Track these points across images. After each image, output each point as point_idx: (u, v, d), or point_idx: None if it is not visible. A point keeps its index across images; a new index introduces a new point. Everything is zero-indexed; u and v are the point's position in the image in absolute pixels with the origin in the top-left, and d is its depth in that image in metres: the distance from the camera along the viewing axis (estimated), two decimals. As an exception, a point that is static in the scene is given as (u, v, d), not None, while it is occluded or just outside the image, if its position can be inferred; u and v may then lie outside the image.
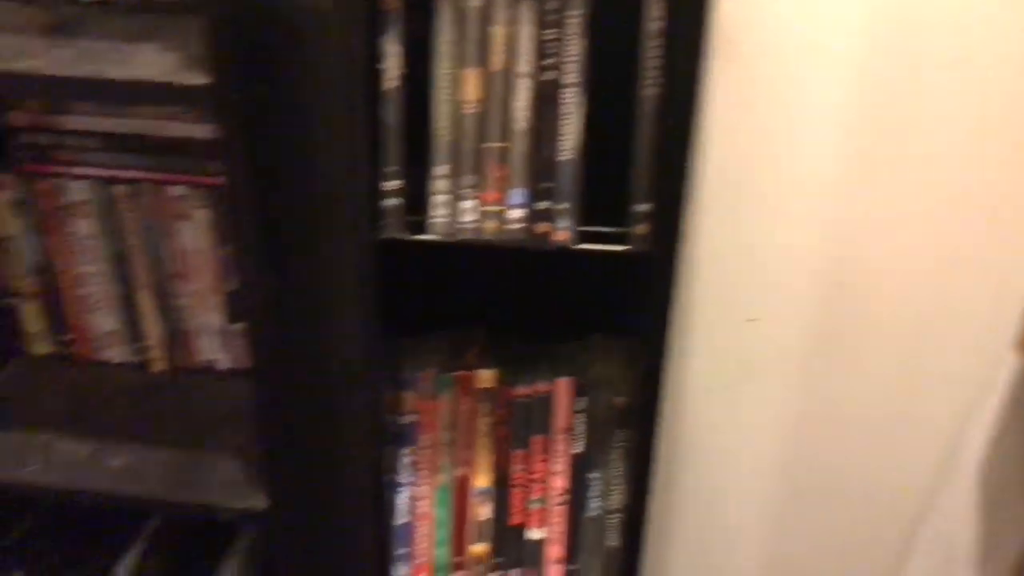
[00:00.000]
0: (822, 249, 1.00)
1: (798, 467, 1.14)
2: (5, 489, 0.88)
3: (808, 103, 0.90)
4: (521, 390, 0.84)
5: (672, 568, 1.20)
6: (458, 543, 0.88)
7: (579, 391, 0.83)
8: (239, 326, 0.97)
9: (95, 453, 0.91)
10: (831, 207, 0.97)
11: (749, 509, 1.16)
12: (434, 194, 0.70)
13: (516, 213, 0.70)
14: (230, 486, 0.87)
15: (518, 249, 0.92)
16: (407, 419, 0.86)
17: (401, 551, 0.89)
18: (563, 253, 0.87)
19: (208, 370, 1.02)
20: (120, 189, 0.92)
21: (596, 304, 0.97)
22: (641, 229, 0.71)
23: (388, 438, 0.85)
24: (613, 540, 0.87)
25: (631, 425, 0.83)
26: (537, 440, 0.85)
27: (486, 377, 0.84)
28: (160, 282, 0.97)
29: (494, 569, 0.88)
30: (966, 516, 1.04)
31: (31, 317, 1.02)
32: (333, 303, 0.98)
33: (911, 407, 1.07)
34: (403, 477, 0.88)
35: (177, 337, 1.00)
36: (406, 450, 0.87)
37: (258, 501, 0.85)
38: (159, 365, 1.02)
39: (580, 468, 0.85)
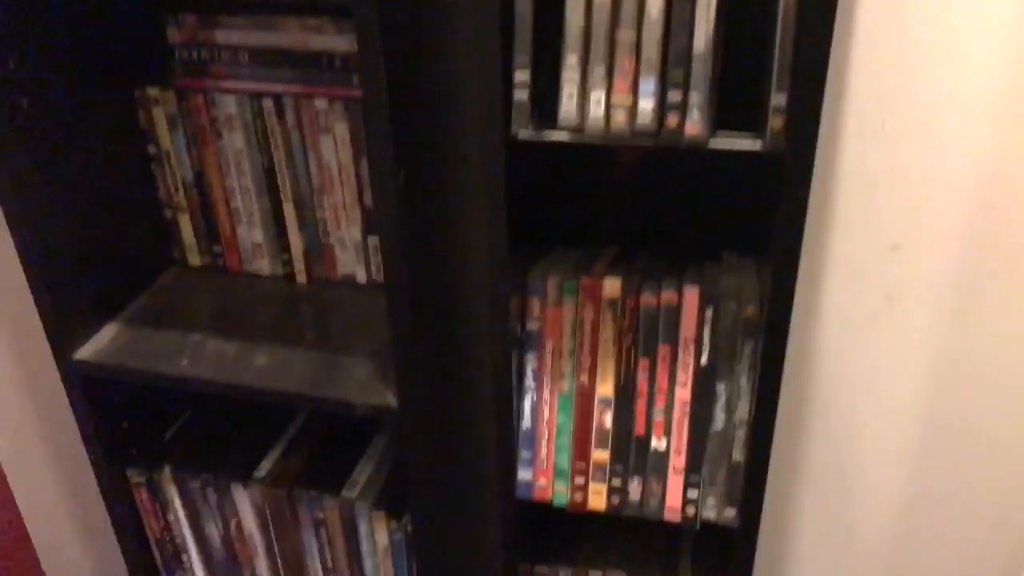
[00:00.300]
0: (972, 171, 0.94)
1: (937, 408, 1.09)
2: (159, 380, 0.95)
3: (968, 12, 0.85)
4: (648, 298, 0.83)
5: (798, 491, 1.17)
6: (580, 449, 0.89)
7: (707, 301, 0.82)
8: (375, 239, 1.01)
9: (241, 352, 0.97)
10: (985, 126, 0.91)
11: (881, 446, 1.12)
12: (563, 86, 0.70)
13: (646, 105, 0.69)
14: (365, 385, 0.91)
15: (649, 152, 0.91)
16: (532, 326, 0.88)
17: (525, 455, 0.91)
18: (694, 158, 0.87)
19: (347, 283, 1.06)
20: (267, 103, 0.97)
21: (728, 222, 0.95)
22: (776, 123, 0.68)
23: (513, 344, 0.87)
24: (738, 454, 0.86)
25: (760, 337, 0.81)
26: (662, 350, 0.85)
27: (612, 285, 0.84)
28: (303, 196, 1.01)
29: (615, 476, 0.89)
30: None
31: (186, 229, 1.09)
32: (464, 208, 1.00)
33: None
34: (528, 383, 0.89)
35: (318, 250, 1.05)
36: (531, 356, 0.88)
37: (390, 399, 0.88)
38: (302, 278, 1.08)
39: (706, 380, 0.84)
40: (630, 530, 1.10)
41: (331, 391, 0.90)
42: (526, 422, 0.90)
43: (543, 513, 1.04)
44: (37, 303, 0.94)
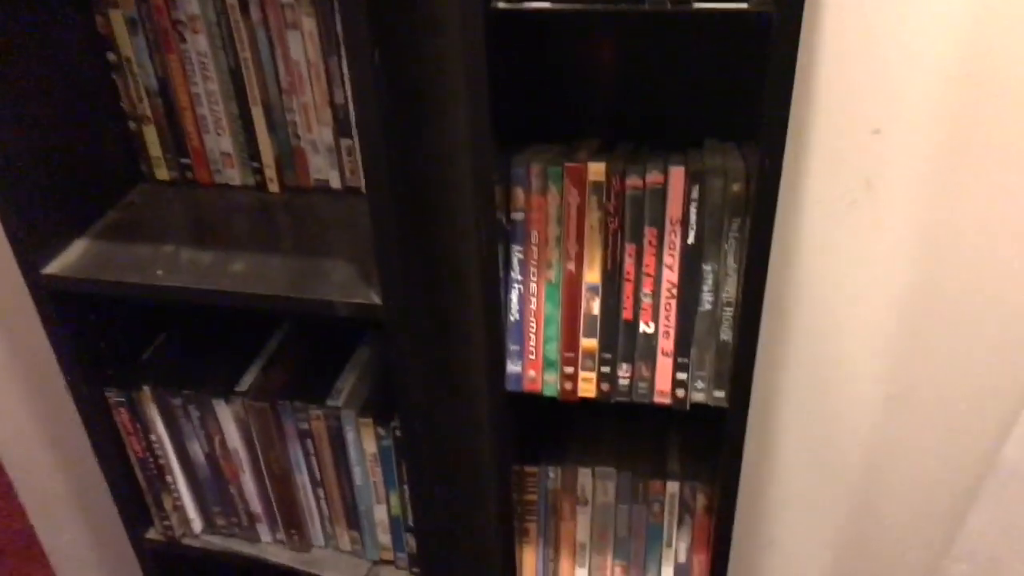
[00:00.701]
0: (955, 50, 0.93)
1: (921, 293, 1.09)
2: (134, 292, 0.93)
3: None
4: (634, 181, 0.82)
5: (781, 379, 1.18)
6: (568, 338, 0.89)
7: (693, 179, 0.81)
8: (348, 142, 0.99)
9: (217, 260, 0.95)
10: (966, 2, 0.91)
11: (862, 333, 1.13)
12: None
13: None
14: (347, 285, 0.89)
15: (629, 28, 0.89)
16: (517, 216, 0.86)
17: (513, 348, 0.90)
18: (675, 35, 0.85)
19: (321, 189, 1.04)
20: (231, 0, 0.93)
21: (710, 110, 0.94)
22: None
23: (498, 235, 0.85)
24: (726, 335, 0.86)
25: (747, 214, 0.81)
26: (649, 233, 0.84)
27: (597, 169, 0.83)
28: (271, 99, 0.98)
29: (604, 364, 0.88)
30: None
31: (152, 141, 1.05)
32: (444, 99, 0.97)
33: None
34: (514, 275, 0.88)
35: (290, 156, 1.02)
36: (516, 247, 0.87)
37: (374, 297, 0.87)
38: (274, 186, 1.05)
39: (693, 260, 0.84)
40: (618, 427, 1.10)
41: (313, 292, 0.89)
42: (513, 314, 0.89)
43: (532, 414, 1.04)
44: (2, 219, 0.91)
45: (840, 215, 1.06)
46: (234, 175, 1.06)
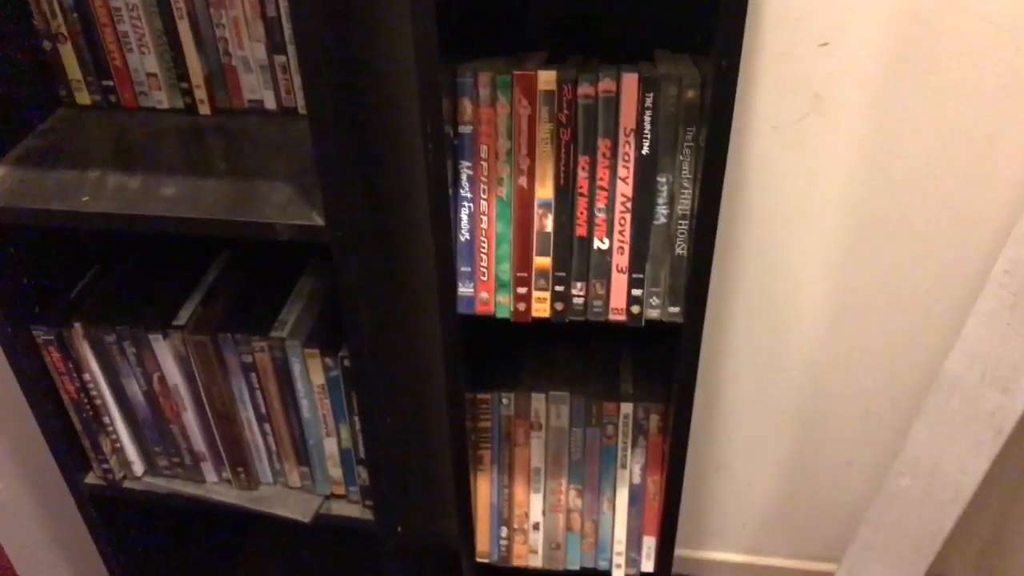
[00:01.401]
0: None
1: (867, 209, 1.10)
2: (58, 219, 0.87)
3: None
4: (586, 89, 0.79)
5: (732, 298, 1.18)
6: (521, 257, 0.86)
7: (647, 86, 0.79)
8: (283, 58, 0.93)
9: (147, 184, 0.89)
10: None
11: (814, 249, 1.13)
12: None
13: None
14: (287, 207, 0.85)
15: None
16: (465, 129, 0.83)
17: (465, 269, 0.87)
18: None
19: (255, 111, 0.99)
20: (148, -99, 0.86)
21: (660, 22, 0.91)
22: None
23: (446, 149, 0.82)
24: (681, 249, 0.84)
25: (702, 123, 0.78)
26: (602, 144, 0.81)
27: (547, 78, 0.80)
28: (198, 11, 0.92)
29: (558, 283, 0.86)
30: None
31: (69, 61, 0.98)
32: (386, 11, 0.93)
33: (996, 137, 1.01)
34: (463, 192, 0.85)
35: (220, 75, 0.96)
36: (466, 163, 0.84)
37: (316, 218, 0.83)
38: (205, 108, 0.99)
39: (648, 172, 0.82)
40: (572, 350, 1.09)
41: (251, 215, 0.84)
42: (464, 234, 0.86)
43: (485, 339, 1.02)
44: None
45: (789, 131, 1.05)
46: (162, 97, 0.99)
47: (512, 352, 1.10)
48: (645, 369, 1.08)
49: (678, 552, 1.51)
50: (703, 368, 1.26)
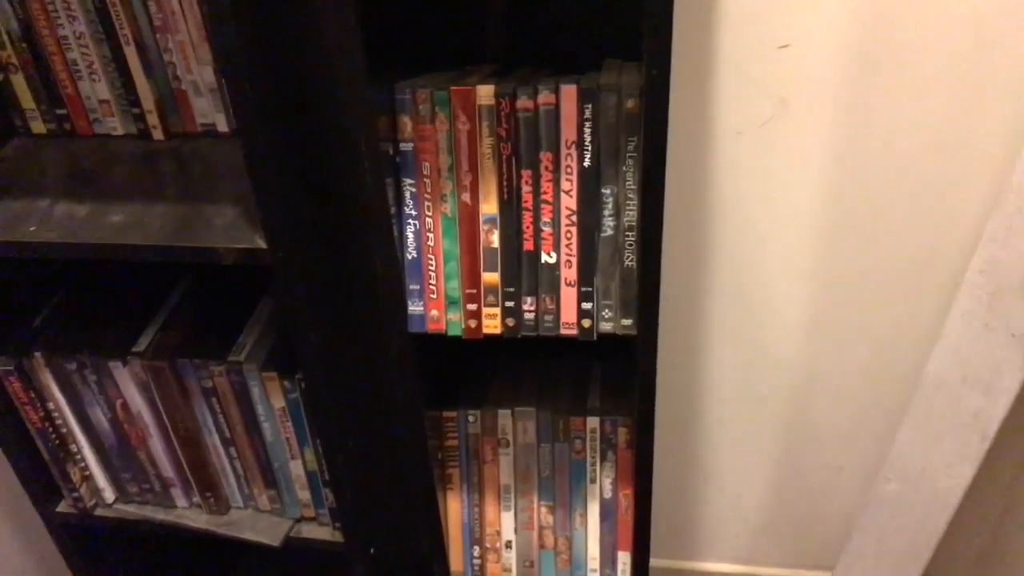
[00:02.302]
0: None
1: (837, 209, 1.07)
2: (3, 249, 0.86)
3: None
4: (524, 103, 0.78)
5: (705, 308, 1.16)
6: (469, 274, 0.85)
7: (585, 97, 0.77)
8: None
9: (94, 212, 0.89)
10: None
11: (788, 254, 1.11)
12: None
13: None
14: (230, 230, 0.84)
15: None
16: (406, 146, 0.81)
17: (413, 287, 0.86)
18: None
19: (208, 134, 0.98)
20: (87, -71, 0.86)
21: (609, 32, 0.90)
22: None
23: (386, 167, 0.81)
24: (630, 260, 0.82)
25: (642, 129, 0.77)
26: (544, 157, 0.80)
27: (486, 92, 0.78)
28: (144, 37, 0.92)
29: (508, 298, 0.85)
30: (1019, 241, 0.96)
31: (22, 90, 0.98)
32: (317, 19, 0.92)
33: (967, 133, 0.99)
34: (407, 210, 0.84)
35: (172, 100, 0.96)
36: (408, 180, 0.83)
37: (258, 241, 0.82)
38: (158, 133, 0.99)
39: (591, 184, 0.80)
40: (540, 365, 1.07)
41: (194, 240, 0.83)
42: (411, 252, 0.85)
43: (450, 357, 1.01)
44: None
45: (754, 135, 1.03)
46: (115, 124, 0.99)
47: (481, 369, 1.08)
48: (613, 382, 1.06)
49: (672, 564, 1.49)
50: (684, 378, 1.24)
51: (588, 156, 0.79)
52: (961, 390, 1.08)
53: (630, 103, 0.77)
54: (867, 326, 1.16)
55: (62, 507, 1.11)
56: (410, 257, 0.85)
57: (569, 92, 0.77)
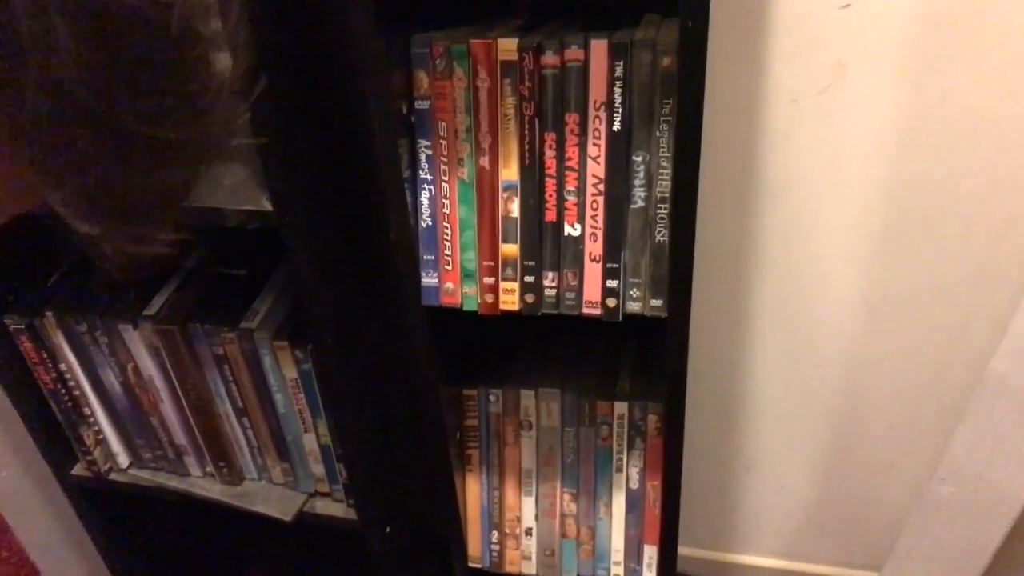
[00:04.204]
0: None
1: (901, 187, 0.98)
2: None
3: None
4: (549, 58, 0.71)
5: (754, 283, 1.08)
6: (487, 245, 0.78)
7: (617, 53, 0.70)
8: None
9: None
10: None
11: (843, 232, 1.02)
12: None
13: None
14: (239, 191, 0.79)
15: None
16: (421, 104, 0.75)
17: (427, 257, 0.80)
18: None
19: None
20: None
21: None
22: None
23: (399, 127, 0.75)
24: (662, 235, 0.75)
25: (678, 90, 0.69)
26: (570, 119, 0.73)
27: (507, 46, 0.72)
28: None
29: (527, 272, 0.78)
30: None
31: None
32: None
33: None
34: (422, 174, 0.78)
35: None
36: (424, 141, 0.77)
37: (264, 203, 0.77)
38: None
39: (621, 150, 0.73)
40: (571, 344, 1.01)
41: (198, 199, 0.79)
42: (425, 219, 0.79)
43: (469, 332, 0.95)
44: None
45: (810, 103, 0.94)
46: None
47: (506, 345, 1.02)
48: (647, 365, 0.99)
49: (707, 555, 1.42)
50: (725, 361, 1.17)
51: (619, 119, 0.72)
52: (1028, 390, 0.98)
53: (666, 60, 0.69)
54: (929, 312, 1.07)
55: (77, 470, 1.09)
56: (424, 225, 0.79)
57: (599, 47, 0.70)
